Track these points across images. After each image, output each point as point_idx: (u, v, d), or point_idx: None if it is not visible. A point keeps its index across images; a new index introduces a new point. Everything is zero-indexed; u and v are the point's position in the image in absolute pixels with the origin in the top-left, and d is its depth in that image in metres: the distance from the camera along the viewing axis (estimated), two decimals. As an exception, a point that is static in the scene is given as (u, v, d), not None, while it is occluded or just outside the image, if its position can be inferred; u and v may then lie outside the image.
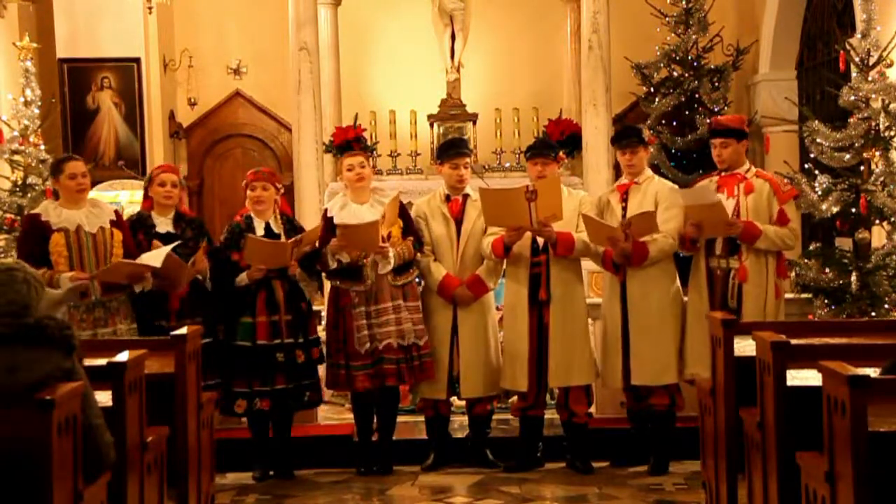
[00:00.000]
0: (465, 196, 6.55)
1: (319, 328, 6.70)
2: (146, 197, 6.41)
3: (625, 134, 6.61)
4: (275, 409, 6.29)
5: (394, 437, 6.60)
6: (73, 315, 5.79)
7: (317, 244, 6.39)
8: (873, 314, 6.64)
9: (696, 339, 6.26)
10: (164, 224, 6.28)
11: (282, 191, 6.52)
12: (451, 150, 6.60)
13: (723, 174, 6.41)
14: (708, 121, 8.93)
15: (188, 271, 6.07)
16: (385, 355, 6.28)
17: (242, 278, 6.23)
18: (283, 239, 6.30)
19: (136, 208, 6.79)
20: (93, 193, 6.28)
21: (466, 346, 6.47)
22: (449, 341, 6.47)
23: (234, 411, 6.27)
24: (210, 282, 6.30)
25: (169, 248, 5.95)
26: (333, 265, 6.31)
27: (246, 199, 6.44)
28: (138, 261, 5.91)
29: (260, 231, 6.33)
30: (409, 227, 6.46)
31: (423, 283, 6.63)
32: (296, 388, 6.29)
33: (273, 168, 9.74)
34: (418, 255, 6.45)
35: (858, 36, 6.97)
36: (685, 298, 6.47)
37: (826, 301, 6.86)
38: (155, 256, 5.90)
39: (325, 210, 6.63)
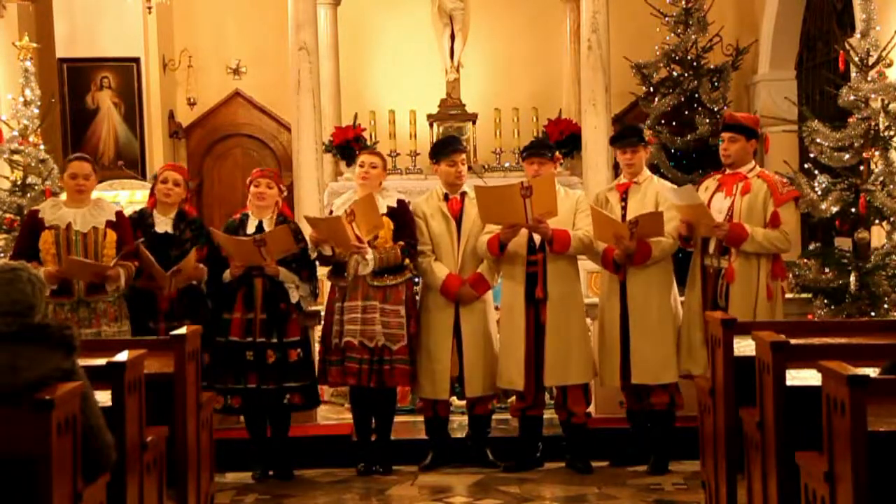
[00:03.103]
0: (463, 194, 6.56)
1: (318, 328, 6.70)
2: (152, 194, 6.44)
3: (625, 133, 6.62)
4: (246, 407, 6.28)
5: (393, 437, 6.60)
6: (57, 314, 5.80)
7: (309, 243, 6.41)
8: (873, 314, 6.64)
9: (691, 336, 6.28)
10: (163, 223, 6.29)
11: (284, 193, 6.52)
12: (448, 147, 6.62)
13: (725, 173, 6.40)
14: (707, 121, 8.96)
15: (158, 273, 6.03)
16: (348, 353, 6.29)
17: (226, 275, 6.24)
18: None
19: (136, 208, 6.79)
20: (95, 193, 6.27)
21: (469, 346, 6.46)
22: (450, 341, 6.47)
23: (213, 407, 6.24)
24: (205, 285, 6.31)
25: (137, 242, 5.97)
26: (314, 255, 6.33)
27: (248, 196, 6.43)
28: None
29: (251, 229, 6.31)
30: (405, 230, 6.43)
31: (420, 283, 6.63)
32: (276, 390, 6.23)
33: (273, 168, 9.76)
34: (407, 260, 6.42)
35: (858, 36, 6.97)
36: (681, 298, 6.48)
37: (825, 301, 6.87)
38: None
39: (331, 209, 6.69)
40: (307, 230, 6.42)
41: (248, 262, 6.18)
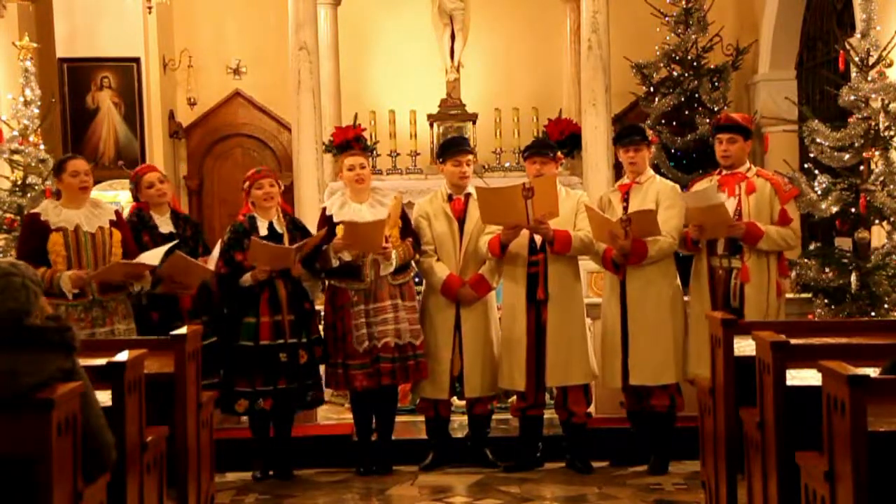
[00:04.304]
0: (468, 195, 6.56)
1: (320, 327, 6.70)
2: (136, 200, 6.46)
3: (628, 132, 6.62)
4: (276, 408, 6.29)
5: (393, 437, 6.61)
6: (70, 314, 5.81)
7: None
8: (873, 314, 6.64)
9: (699, 340, 6.25)
10: (164, 224, 6.33)
11: (282, 189, 6.54)
12: (454, 147, 6.61)
13: (723, 173, 6.41)
14: (708, 121, 8.95)
15: (200, 270, 6.10)
16: (382, 354, 6.29)
17: (246, 279, 6.24)
18: (286, 238, 6.31)
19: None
20: (93, 193, 6.29)
21: (470, 346, 6.47)
22: (451, 341, 6.48)
23: (235, 410, 6.27)
24: (213, 281, 6.34)
25: (165, 247, 5.98)
26: (335, 263, 6.31)
27: (248, 199, 6.42)
28: (136, 261, 5.92)
29: (263, 231, 6.33)
30: (408, 228, 6.48)
31: (423, 282, 6.63)
32: (299, 388, 6.29)
33: (273, 168, 9.77)
34: (417, 255, 6.46)
35: (858, 36, 6.97)
36: (686, 298, 6.47)
37: (826, 301, 6.86)
38: (153, 256, 5.93)
39: (324, 209, 6.64)
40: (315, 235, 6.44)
41: (277, 267, 6.20)
